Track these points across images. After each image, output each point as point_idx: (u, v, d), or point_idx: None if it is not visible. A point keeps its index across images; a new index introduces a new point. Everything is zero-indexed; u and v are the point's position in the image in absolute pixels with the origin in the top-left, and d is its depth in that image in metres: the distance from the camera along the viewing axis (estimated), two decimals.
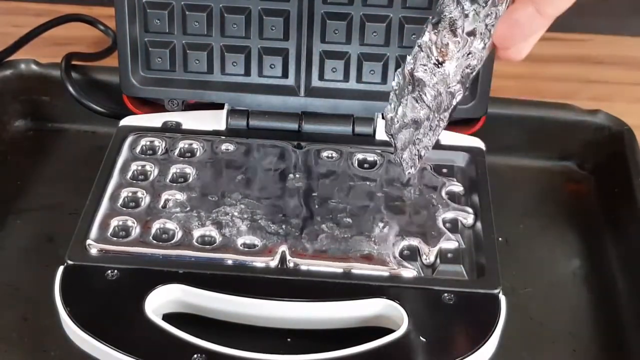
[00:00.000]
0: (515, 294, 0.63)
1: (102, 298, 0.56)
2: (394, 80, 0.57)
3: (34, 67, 0.78)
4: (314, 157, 0.68)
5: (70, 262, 0.58)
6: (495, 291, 0.57)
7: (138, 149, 0.68)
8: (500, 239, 0.66)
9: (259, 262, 0.59)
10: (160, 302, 0.56)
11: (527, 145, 0.76)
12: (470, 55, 0.52)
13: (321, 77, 0.71)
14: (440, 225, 0.62)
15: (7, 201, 0.71)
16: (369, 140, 0.69)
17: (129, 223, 0.61)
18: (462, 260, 0.59)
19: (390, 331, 0.55)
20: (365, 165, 0.67)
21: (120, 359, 0.52)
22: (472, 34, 0.52)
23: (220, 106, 0.71)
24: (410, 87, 0.55)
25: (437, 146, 0.68)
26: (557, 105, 0.76)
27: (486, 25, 0.51)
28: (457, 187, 0.65)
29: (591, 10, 0.91)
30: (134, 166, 0.66)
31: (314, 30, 0.69)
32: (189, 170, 0.66)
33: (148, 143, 0.68)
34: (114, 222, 0.61)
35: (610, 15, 0.91)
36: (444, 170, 0.66)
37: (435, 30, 0.53)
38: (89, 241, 0.59)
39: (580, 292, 0.65)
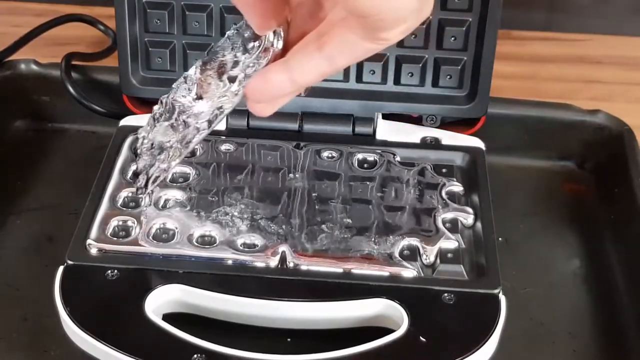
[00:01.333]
0: (515, 294, 0.63)
1: (102, 298, 0.56)
2: (156, 105, 0.57)
3: (34, 67, 0.78)
4: (314, 157, 0.68)
5: (70, 262, 0.58)
6: (495, 291, 0.57)
7: None
8: (500, 239, 0.66)
9: (259, 262, 0.59)
10: (160, 302, 0.56)
11: (527, 145, 0.76)
12: (224, 98, 0.53)
13: None
14: (440, 225, 0.62)
15: (7, 201, 0.71)
16: (369, 140, 0.69)
17: (129, 223, 0.61)
18: (462, 260, 0.59)
19: (390, 331, 0.55)
20: (365, 165, 0.67)
21: (120, 359, 0.52)
22: (233, 80, 0.53)
23: None
24: (167, 114, 0.56)
25: (437, 146, 0.69)
26: (557, 105, 0.76)
27: (245, 75, 0.52)
28: (457, 187, 0.65)
29: (591, 10, 0.91)
30: (134, 166, 0.66)
31: None
32: (189, 170, 0.66)
33: None
34: (114, 222, 0.61)
35: (610, 15, 0.91)
36: (444, 170, 0.66)
37: (204, 68, 0.54)
38: (89, 241, 0.59)
39: (580, 292, 0.65)
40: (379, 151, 0.68)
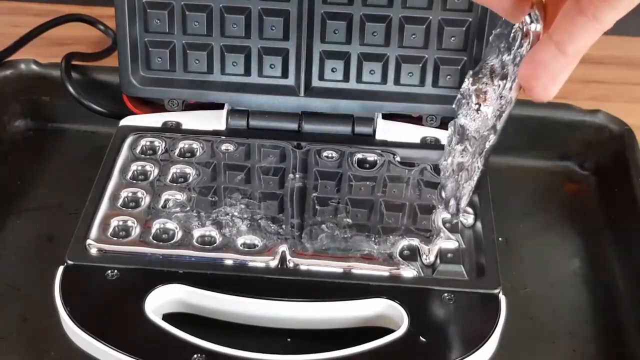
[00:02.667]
0: (515, 294, 0.63)
1: (102, 298, 0.56)
2: (448, 131, 0.58)
3: (34, 67, 0.78)
4: (314, 157, 0.68)
5: (70, 262, 0.58)
6: (495, 291, 0.57)
7: (138, 149, 0.68)
8: (500, 239, 0.66)
9: (259, 262, 0.59)
10: (160, 302, 0.56)
11: (527, 145, 0.76)
12: (502, 98, 0.53)
13: (321, 77, 0.71)
14: (440, 225, 0.62)
15: (7, 201, 0.71)
16: (369, 140, 0.69)
17: (129, 223, 0.61)
18: (462, 260, 0.59)
19: (390, 331, 0.55)
20: (366, 165, 0.67)
21: (120, 359, 0.52)
22: (504, 77, 0.52)
23: (220, 106, 0.71)
24: (458, 137, 0.57)
25: (437, 146, 0.69)
26: (557, 105, 0.76)
27: (514, 66, 0.51)
28: None
29: None
30: (134, 166, 0.66)
31: (314, 30, 0.69)
32: (189, 170, 0.66)
33: (148, 143, 0.68)
34: (114, 222, 0.61)
35: None
36: None
37: (476, 78, 0.54)
38: (89, 241, 0.59)
39: (580, 292, 0.65)
40: (379, 151, 0.68)
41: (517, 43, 0.51)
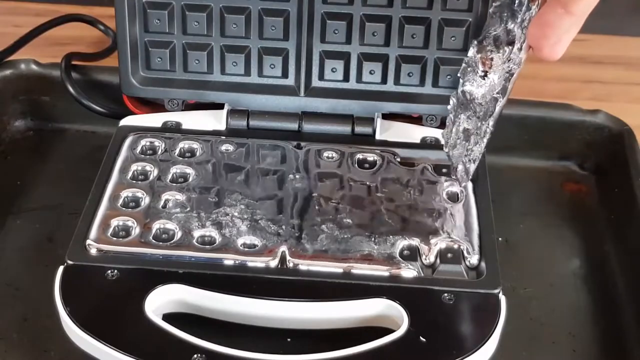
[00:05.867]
0: (515, 294, 0.63)
1: (102, 298, 0.56)
2: (449, 103, 0.61)
3: (34, 67, 0.78)
4: (314, 157, 0.68)
5: (70, 262, 0.58)
6: (495, 291, 0.57)
7: (138, 149, 0.68)
8: (500, 239, 0.66)
9: (259, 262, 0.59)
10: (160, 302, 0.56)
11: (527, 145, 0.76)
12: (510, 61, 0.56)
13: (321, 77, 0.71)
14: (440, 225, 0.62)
15: (7, 201, 0.71)
16: (369, 140, 0.69)
17: (129, 223, 0.61)
18: (462, 260, 0.59)
19: (390, 331, 0.55)
20: (365, 165, 0.67)
21: (120, 359, 0.52)
22: (510, 43, 0.56)
23: (220, 106, 0.71)
24: (463, 105, 0.59)
25: (437, 146, 0.69)
26: (557, 105, 0.76)
27: (522, 29, 0.54)
28: (457, 187, 0.65)
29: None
30: (134, 166, 0.66)
31: (314, 30, 0.69)
32: (189, 170, 0.66)
33: (148, 143, 0.68)
34: (114, 222, 0.61)
35: (610, 15, 0.91)
36: (444, 170, 0.66)
37: (480, 46, 0.57)
38: (89, 241, 0.59)
39: (580, 292, 0.65)
40: (379, 151, 0.68)
41: (524, 7, 0.54)
